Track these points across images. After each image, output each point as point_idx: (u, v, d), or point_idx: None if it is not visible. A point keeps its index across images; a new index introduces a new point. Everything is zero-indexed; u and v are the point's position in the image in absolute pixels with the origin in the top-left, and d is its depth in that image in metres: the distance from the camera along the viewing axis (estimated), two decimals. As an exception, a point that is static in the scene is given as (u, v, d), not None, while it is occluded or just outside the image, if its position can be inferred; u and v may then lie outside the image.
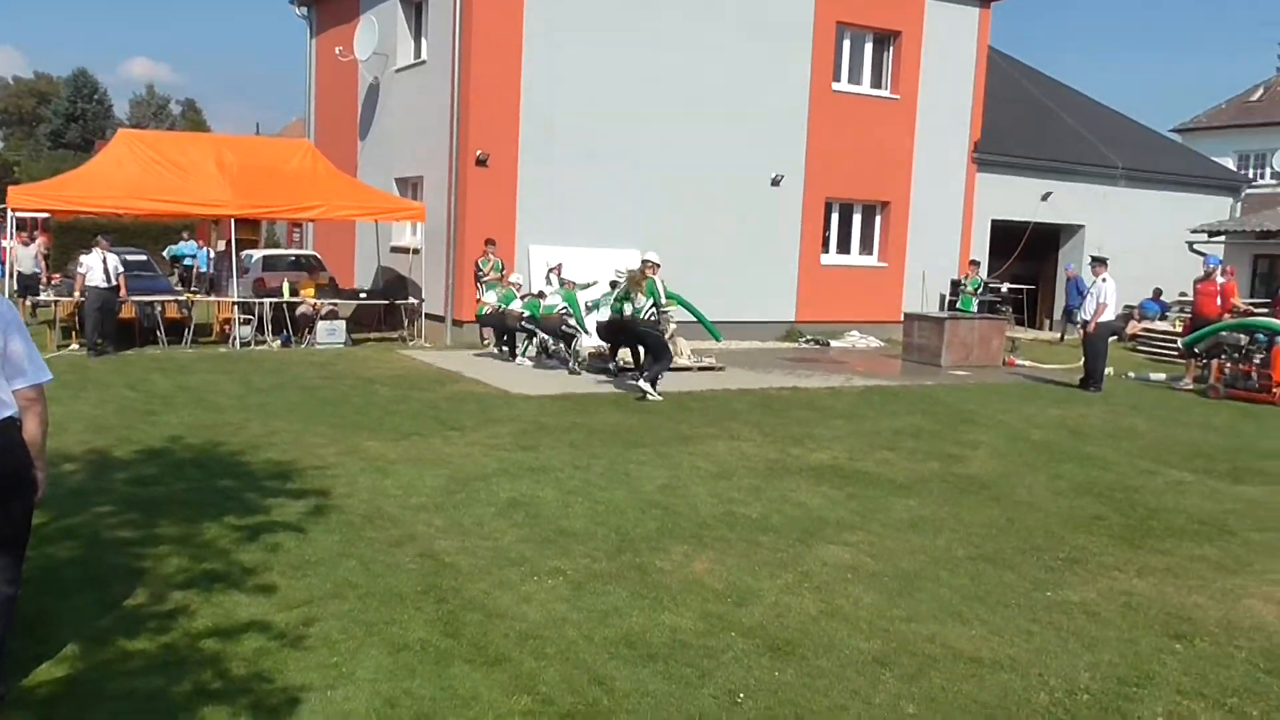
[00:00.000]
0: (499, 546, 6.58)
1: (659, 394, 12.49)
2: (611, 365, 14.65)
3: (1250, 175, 36.19)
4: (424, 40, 19.48)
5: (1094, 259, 15.99)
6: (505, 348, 16.27)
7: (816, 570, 6.38)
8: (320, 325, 16.94)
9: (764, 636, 5.30)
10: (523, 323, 15.49)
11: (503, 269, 17.39)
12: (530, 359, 15.67)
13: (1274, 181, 40.16)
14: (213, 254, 26.74)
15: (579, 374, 14.71)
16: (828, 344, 20.11)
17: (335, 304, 17.67)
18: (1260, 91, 44.93)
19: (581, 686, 4.66)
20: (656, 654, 5.03)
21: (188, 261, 28.27)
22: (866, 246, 22.32)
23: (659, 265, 13.40)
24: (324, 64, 23.37)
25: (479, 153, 17.59)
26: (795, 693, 4.69)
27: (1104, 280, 15.30)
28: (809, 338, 20.43)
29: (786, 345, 20.00)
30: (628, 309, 13.24)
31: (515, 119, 17.87)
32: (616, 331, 14.08)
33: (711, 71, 19.37)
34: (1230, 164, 36.45)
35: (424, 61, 19.28)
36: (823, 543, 6.95)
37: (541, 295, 15.85)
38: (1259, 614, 5.95)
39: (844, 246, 22.08)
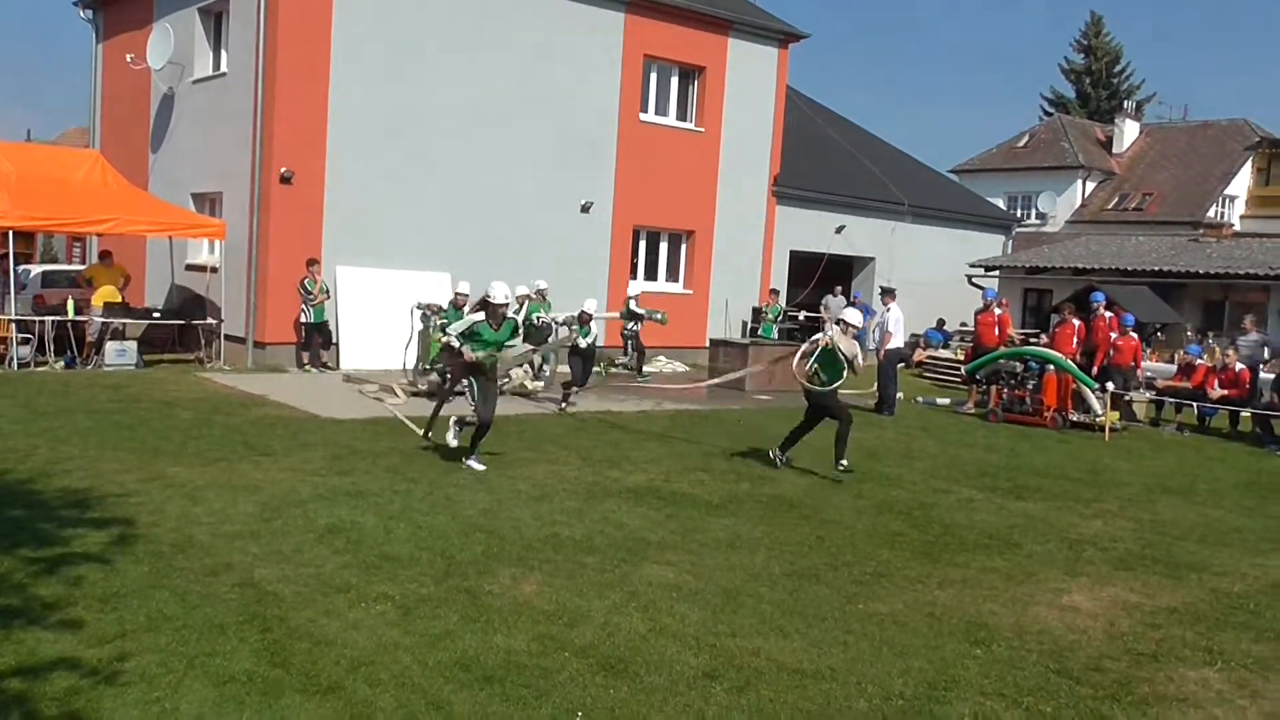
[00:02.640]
0: (322, 573, 6.43)
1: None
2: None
3: (1019, 215, 39.05)
4: (224, 52, 18.77)
5: (883, 290, 16.99)
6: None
7: (642, 589, 6.52)
8: (109, 346, 16.00)
9: (597, 655, 5.39)
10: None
11: (327, 290, 17.02)
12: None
13: (1039, 221, 43.52)
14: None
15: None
16: (637, 369, 20.43)
17: (124, 323, 16.74)
18: (1026, 138, 48.65)
19: (419, 711, 4.63)
20: (492, 676, 5.05)
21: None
22: (673, 274, 22.87)
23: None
24: (112, 71, 22.14)
25: (283, 170, 17.08)
26: (631, 709, 4.80)
27: (889, 310, 16.32)
28: (619, 363, 20.72)
29: (595, 370, 20.22)
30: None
31: (322, 137, 17.45)
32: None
33: (523, 97, 19.48)
34: (1001, 204, 39.28)
35: (224, 74, 18.58)
36: (646, 562, 7.11)
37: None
38: (1046, 620, 6.47)
39: (651, 273, 22.56)
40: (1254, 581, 7.67)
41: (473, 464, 9.79)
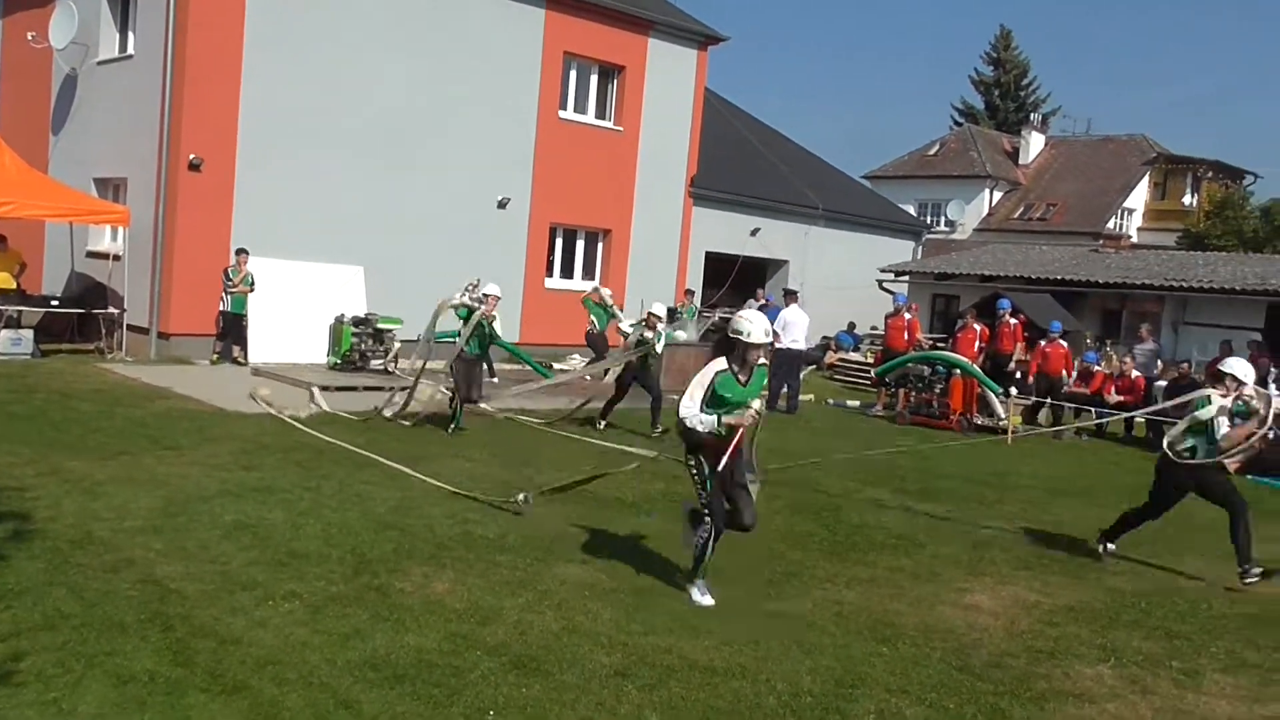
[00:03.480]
0: (227, 570, 6.30)
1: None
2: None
3: (929, 222, 39.89)
4: (131, 34, 18.23)
5: (785, 291, 17.28)
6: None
7: (555, 588, 6.52)
8: (3, 334, 15.41)
9: (509, 654, 5.38)
10: None
11: (252, 282, 16.66)
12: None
13: (948, 228, 44.50)
14: None
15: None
16: (550, 367, 20.39)
17: (20, 310, 16.17)
18: (937, 147, 49.70)
19: (328, 711, 4.57)
20: (403, 675, 5.00)
21: None
22: (589, 272, 22.85)
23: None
24: (10, 49, 21.34)
25: (192, 157, 16.65)
26: (543, 707, 4.80)
27: (787, 309, 16.74)
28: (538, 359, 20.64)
29: (511, 367, 20.12)
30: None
31: (234, 124, 17.05)
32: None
33: (441, 89, 19.29)
34: (912, 210, 40.06)
35: (131, 56, 18.04)
36: (559, 561, 7.11)
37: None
38: (949, 619, 6.63)
39: (568, 271, 22.53)
40: (1145, 581, 7.96)
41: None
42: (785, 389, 16.62)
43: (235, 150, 17.11)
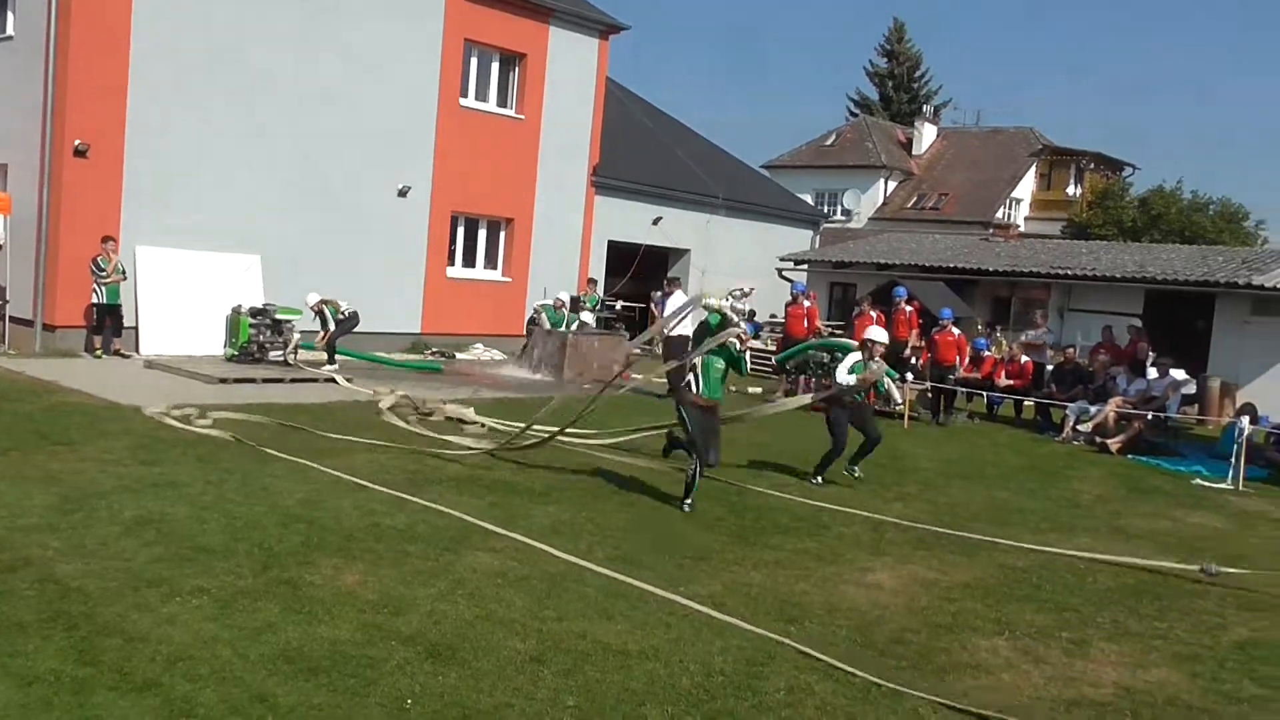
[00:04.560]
0: (131, 567, 6.17)
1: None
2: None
3: (826, 211, 40.62)
4: (10, 13, 17.49)
5: (667, 279, 17.52)
6: None
7: (468, 577, 6.54)
8: (-125, 327, 14.76)
9: (424, 643, 5.40)
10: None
11: (124, 270, 16.15)
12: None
13: (844, 218, 45.37)
14: None
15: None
16: (453, 356, 20.27)
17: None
18: (833, 137, 50.60)
19: (242, 705, 4.54)
20: (318, 667, 4.99)
21: None
22: (491, 261, 22.74)
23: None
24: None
25: (78, 142, 16.09)
26: (460, 694, 4.84)
27: (669, 296, 16.99)
28: (434, 350, 20.49)
29: (413, 357, 19.94)
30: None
31: (122, 110, 16.52)
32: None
33: (338, 76, 18.97)
34: (810, 200, 40.75)
35: (10, 37, 17.33)
36: (471, 550, 7.13)
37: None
38: (853, 597, 6.84)
39: (470, 260, 22.38)
40: (1035, 557, 8.31)
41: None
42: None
43: (124, 136, 16.60)
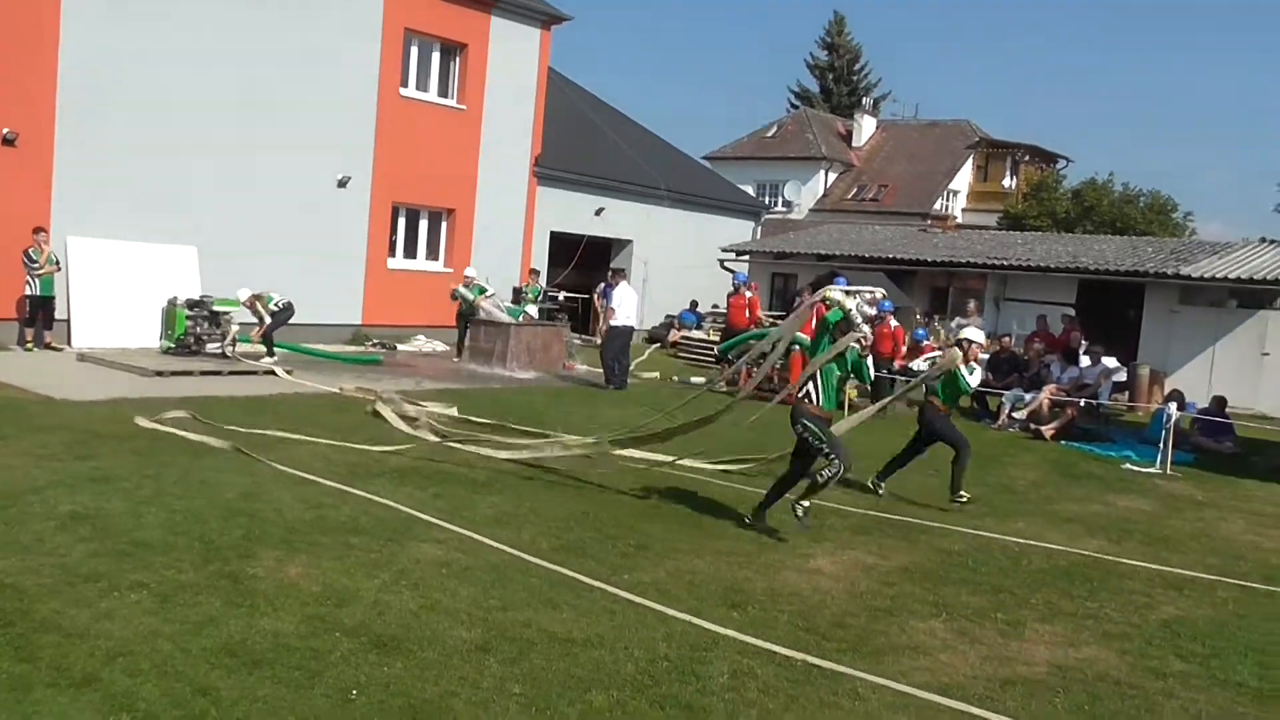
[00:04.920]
0: (67, 563, 6.08)
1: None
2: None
3: (767, 202, 40.89)
4: (-66, -2, 17.06)
5: (612, 270, 17.54)
6: None
7: (412, 568, 6.54)
8: None
9: (369, 634, 5.39)
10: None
11: (57, 261, 15.82)
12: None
13: (786, 209, 45.70)
14: None
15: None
16: (394, 348, 20.14)
17: None
18: (775, 129, 50.91)
19: (185, 699, 4.50)
20: (261, 660, 4.96)
21: None
22: (433, 252, 22.62)
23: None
24: None
25: (6, 131, 15.75)
26: (406, 684, 4.85)
27: (615, 288, 17.01)
28: (375, 341, 20.35)
29: (353, 348, 19.79)
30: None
31: (51, 96, 16.17)
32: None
33: (276, 63, 18.72)
34: (751, 191, 41.01)
35: (-66, 22, 16.89)
36: (414, 541, 7.12)
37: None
38: (794, 583, 6.95)
39: (411, 251, 22.24)
40: (971, 541, 8.50)
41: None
42: (616, 366, 16.85)
43: (54, 124, 16.26)
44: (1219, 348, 20.76)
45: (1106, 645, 6.21)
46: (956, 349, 10.18)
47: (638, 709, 4.79)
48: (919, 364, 9.85)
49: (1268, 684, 5.75)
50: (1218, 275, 20.85)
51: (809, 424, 8.07)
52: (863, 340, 8.11)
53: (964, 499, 9.92)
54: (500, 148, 22.88)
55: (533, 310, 20.23)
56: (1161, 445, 13.29)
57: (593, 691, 4.94)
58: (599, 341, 17.90)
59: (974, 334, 10.33)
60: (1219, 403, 16.23)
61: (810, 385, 8.17)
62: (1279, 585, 7.94)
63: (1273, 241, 28.15)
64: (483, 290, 18.92)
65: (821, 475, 8.00)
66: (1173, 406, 13.96)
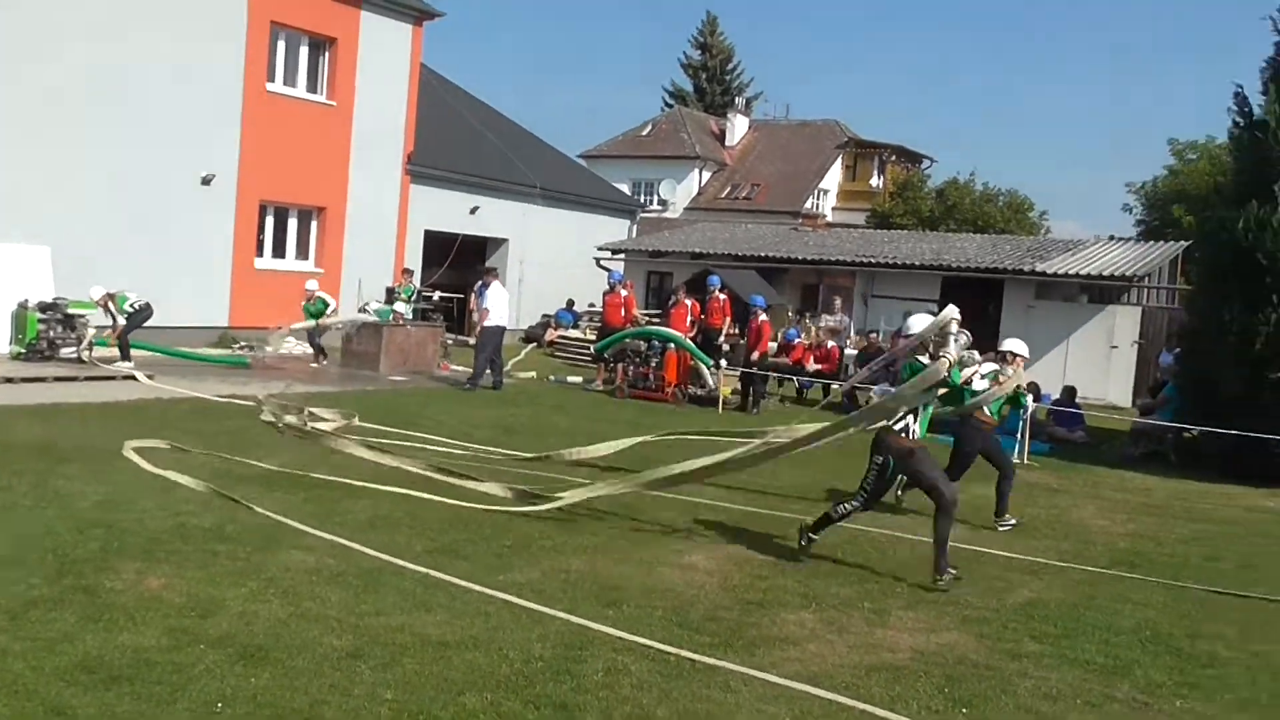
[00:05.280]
0: (-94, 582, 5.77)
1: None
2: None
3: (642, 201, 41.15)
4: None
5: (485, 269, 17.48)
6: None
7: (280, 575, 6.40)
8: None
9: (235, 645, 5.26)
10: None
11: None
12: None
13: (661, 207, 46.04)
14: None
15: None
16: (263, 349, 19.62)
17: None
18: (650, 127, 51.22)
19: (37, 718, 4.33)
20: (120, 675, 4.80)
21: None
22: (303, 251, 22.12)
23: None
24: None
25: None
26: (274, 695, 4.75)
27: (488, 288, 17.01)
28: (242, 343, 19.78)
29: (219, 351, 19.20)
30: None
31: (-114, 88, 15.29)
32: None
33: (135, 58, 18.02)
34: (626, 189, 41.20)
35: None
36: (283, 548, 6.97)
37: None
38: (669, 579, 7.03)
39: (280, 251, 21.69)
40: (839, 533, 8.71)
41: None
42: (490, 366, 16.77)
43: (-111, 118, 15.35)
44: (1072, 341, 21.76)
45: (966, 629, 6.46)
46: (1004, 363, 9.64)
47: (512, 710, 4.79)
48: (979, 383, 9.30)
49: (1113, 660, 6.07)
50: (1070, 272, 21.86)
51: (887, 460, 7.75)
52: (951, 360, 7.48)
53: (1011, 522, 9.57)
54: (372, 145, 22.50)
55: (406, 309, 19.93)
56: (1019, 436, 13.84)
57: (466, 694, 4.92)
58: (472, 342, 17.76)
59: (1016, 344, 9.90)
60: (1069, 393, 17.01)
61: (911, 417, 7.72)
62: (1126, 568, 8.37)
63: (1121, 239, 29.64)
64: (326, 305, 18.52)
65: (838, 510, 7.80)
66: (1029, 399, 14.54)
